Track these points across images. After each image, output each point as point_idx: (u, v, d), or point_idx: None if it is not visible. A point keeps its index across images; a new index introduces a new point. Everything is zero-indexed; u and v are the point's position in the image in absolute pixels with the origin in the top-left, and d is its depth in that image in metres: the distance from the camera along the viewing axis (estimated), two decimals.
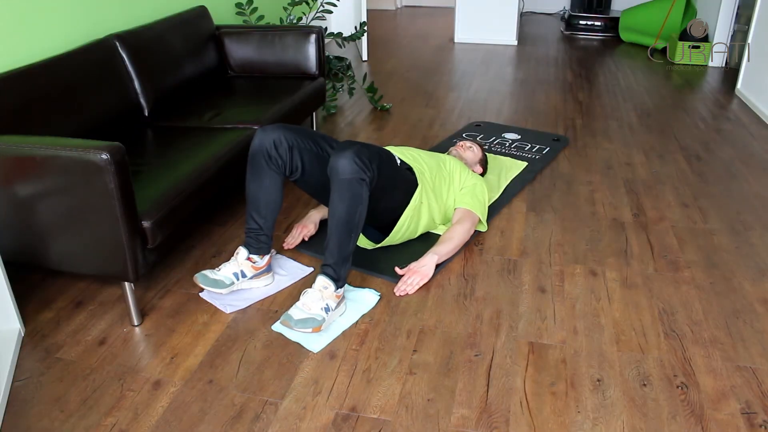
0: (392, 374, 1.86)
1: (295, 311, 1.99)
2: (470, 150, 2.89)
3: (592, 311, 2.14)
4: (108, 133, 2.59)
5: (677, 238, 2.60)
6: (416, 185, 2.37)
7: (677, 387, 1.81)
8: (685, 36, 5.44)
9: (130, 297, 2.05)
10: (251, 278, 2.23)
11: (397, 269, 2.29)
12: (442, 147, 3.51)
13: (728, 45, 5.31)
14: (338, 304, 2.07)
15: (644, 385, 1.82)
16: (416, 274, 2.25)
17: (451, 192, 2.55)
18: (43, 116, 2.27)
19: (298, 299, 2.20)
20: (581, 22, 6.67)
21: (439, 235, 2.55)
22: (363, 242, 2.49)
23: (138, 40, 2.83)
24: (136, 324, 2.09)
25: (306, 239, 2.55)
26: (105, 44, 2.67)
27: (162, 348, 1.98)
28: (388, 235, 2.42)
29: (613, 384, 1.82)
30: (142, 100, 2.82)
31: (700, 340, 2.01)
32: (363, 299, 2.19)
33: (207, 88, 3.29)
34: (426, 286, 2.27)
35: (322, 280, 2.04)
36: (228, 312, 2.14)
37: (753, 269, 2.39)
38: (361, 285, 2.28)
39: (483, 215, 2.55)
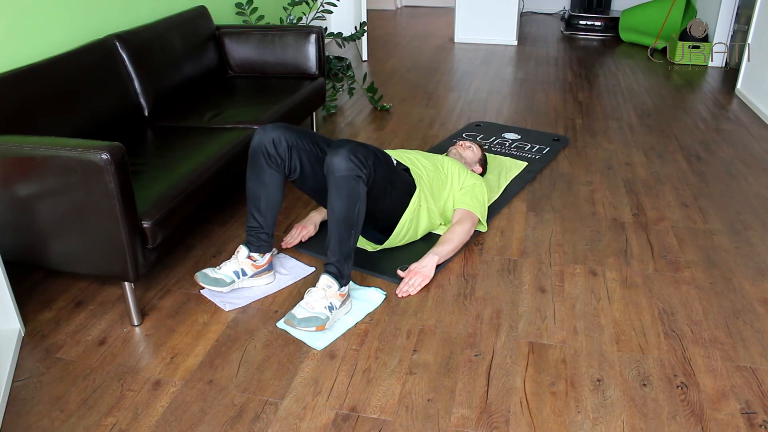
0: (392, 374, 1.86)
1: (299, 310, 2.00)
2: (470, 149, 2.89)
3: (592, 311, 2.14)
4: (108, 133, 2.59)
5: (677, 238, 2.60)
6: (414, 187, 2.36)
7: (677, 387, 1.81)
8: (685, 36, 5.44)
9: (130, 297, 2.05)
10: (252, 276, 2.23)
11: (399, 272, 2.29)
12: (442, 147, 3.51)
13: (728, 45, 5.31)
14: (343, 303, 2.07)
15: (644, 385, 1.82)
16: (417, 275, 2.26)
17: (449, 193, 2.54)
18: (43, 116, 2.27)
19: (299, 298, 2.21)
20: (581, 22, 6.67)
21: (439, 236, 2.55)
22: (364, 244, 2.49)
23: (138, 40, 2.83)
24: (136, 324, 2.09)
25: (304, 240, 2.54)
26: (105, 44, 2.67)
27: (162, 348, 1.98)
28: (388, 236, 2.42)
29: (613, 384, 1.82)
30: (142, 100, 2.82)
31: (700, 340, 2.01)
32: (369, 298, 2.19)
33: (207, 88, 3.29)
34: (426, 286, 2.27)
35: (325, 279, 2.04)
36: (227, 309, 2.14)
37: (753, 269, 2.39)
38: (362, 284, 2.28)
39: (483, 215, 2.55)
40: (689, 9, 5.88)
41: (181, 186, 2.20)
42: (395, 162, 2.33)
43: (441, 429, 1.67)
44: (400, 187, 2.30)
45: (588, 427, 1.68)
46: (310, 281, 2.31)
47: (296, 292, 2.25)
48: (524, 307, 2.17)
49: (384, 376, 1.86)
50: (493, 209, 2.81)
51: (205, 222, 2.74)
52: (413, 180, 2.38)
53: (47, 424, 1.69)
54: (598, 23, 6.62)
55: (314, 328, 1.98)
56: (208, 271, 2.19)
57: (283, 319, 2.06)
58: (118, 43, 2.73)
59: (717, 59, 5.39)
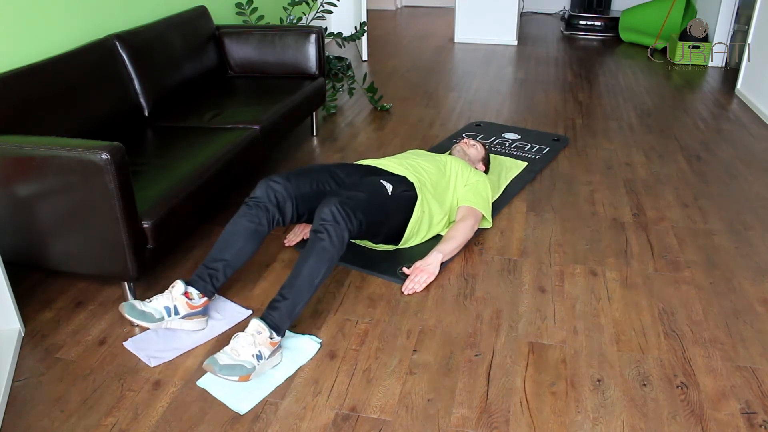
0: (392, 374, 1.86)
1: (222, 356, 1.76)
2: (474, 147, 2.90)
3: (592, 311, 2.14)
4: (108, 133, 2.59)
5: (677, 238, 2.60)
6: (415, 199, 2.37)
7: (677, 387, 1.81)
8: (685, 36, 5.44)
9: (130, 297, 2.05)
10: (183, 317, 1.97)
11: (404, 269, 2.30)
12: (442, 147, 3.51)
13: (728, 45, 5.31)
14: (272, 353, 1.84)
15: (644, 385, 1.82)
16: (423, 272, 2.26)
17: (454, 193, 2.55)
18: (44, 116, 2.27)
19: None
20: (581, 22, 6.67)
21: (442, 235, 2.56)
22: (364, 242, 2.49)
23: (138, 40, 2.83)
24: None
25: (307, 237, 2.55)
26: (105, 44, 2.67)
27: None
28: (396, 243, 2.44)
29: (613, 384, 1.82)
30: (142, 100, 2.82)
31: (700, 340, 2.01)
32: (301, 347, 1.95)
33: (207, 88, 3.30)
34: (426, 286, 2.27)
35: (256, 325, 1.81)
36: (152, 365, 1.89)
37: (753, 269, 2.39)
38: (300, 333, 2.01)
39: (487, 212, 2.56)
40: (689, 9, 5.88)
41: (181, 186, 2.20)
42: (390, 189, 2.29)
43: (441, 429, 1.67)
44: (399, 209, 2.31)
45: (588, 427, 1.68)
46: (244, 327, 2.03)
47: (225, 339, 2.01)
48: (524, 307, 2.17)
49: (384, 376, 1.86)
50: (493, 209, 2.81)
51: (205, 222, 2.74)
52: (414, 193, 2.38)
53: (47, 424, 1.69)
54: (598, 23, 6.62)
55: (237, 378, 1.74)
56: (136, 303, 1.92)
57: (203, 364, 1.75)
58: (118, 43, 2.73)
59: (717, 59, 5.39)
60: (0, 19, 2.28)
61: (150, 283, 2.30)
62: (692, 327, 2.07)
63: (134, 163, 2.37)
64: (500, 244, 2.56)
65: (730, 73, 5.16)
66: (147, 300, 1.96)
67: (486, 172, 2.95)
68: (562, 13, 7.54)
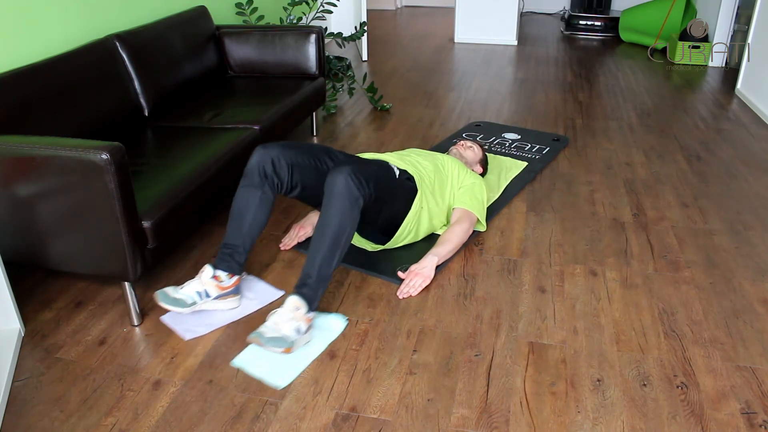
0: (392, 374, 1.86)
1: (266, 329, 1.86)
2: (470, 149, 2.89)
3: (592, 311, 2.14)
4: (108, 133, 2.59)
5: (677, 238, 2.60)
6: (416, 192, 2.37)
7: (677, 387, 1.81)
8: (685, 36, 5.44)
9: (130, 297, 2.05)
10: (216, 299, 2.08)
11: (399, 273, 2.29)
12: (442, 147, 3.51)
13: (728, 45, 5.31)
14: (307, 330, 1.94)
15: (644, 385, 1.82)
16: (418, 276, 2.26)
17: (450, 192, 2.55)
18: (44, 116, 2.27)
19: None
20: (581, 22, 6.67)
21: (439, 236, 2.56)
22: (364, 243, 2.49)
23: (138, 40, 2.83)
24: (136, 324, 2.08)
25: (302, 240, 2.55)
26: (105, 44, 2.67)
27: (162, 348, 1.98)
28: (388, 239, 2.43)
29: (613, 384, 1.82)
30: (142, 100, 2.82)
31: (700, 340, 2.01)
32: (329, 326, 2.04)
33: (207, 88, 3.30)
34: (426, 286, 2.27)
35: (294, 301, 1.91)
36: (186, 339, 1.99)
37: (753, 269, 2.39)
38: (327, 311, 2.11)
39: (482, 215, 2.55)
40: (689, 9, 5.88)
41: (181, 186, 2.20)
42: (397, 172, 2.31)
43: (441, 429, 1.67)
44: (402, 195, 2.30)
45: (588, 427, 1.68)
46: (276, 307, 2.12)
47: (259, 318, 2.11)
48: (524, 307, 2.17)
49: (384, 376, 1.86)
50: (493, 209, 2.81)
51: (205, 222, 2.74)
52: (415, 185, 2.38)
53: (47, 424, 1.69)
54: (598, 23, 6.62)
55: (282, 350, 1.84)
56: (169, 290, 2.04)
57: (248, 337, 1.87)
58: (118, 43, 2.73)
59: (717, 59, 5.39)
60: (0, 19, 2.28)
61: (150, 283, 2.30)
62: (692, 327, 2.07)
63: (134, 163, 2.37)
64: (500, 244, 2.56)
65: (730, 73, 5.16)
66: (179, 286, 2.07)
67: (484, 173, 2.95)
68: (562, 13, 7.54)
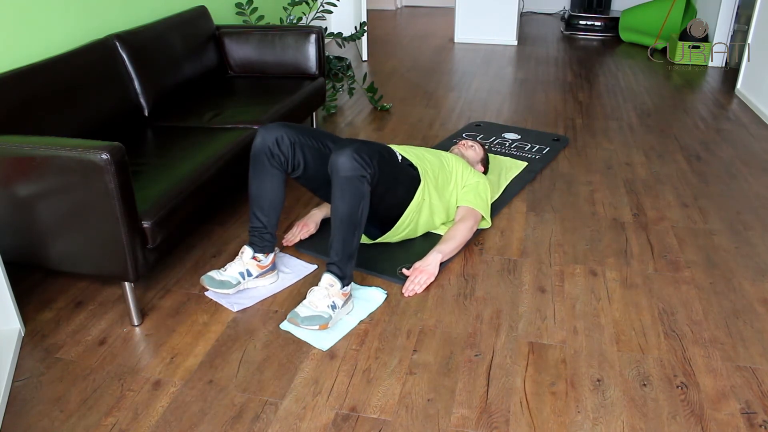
0: (392, 374, 1.86)
1: (302, 309, 2.00)
2: (472, 149, 2.90)
3: (592, 311, 2.14)
4: (108, 133, 2.59)
5: (677, 238, 2.60)
6: (419, 181, 2.37)
7: (677, 387, 1.81)
8: (685, 36, 5.44)
9: (130, 297, 2.05)
10: (257, 277, 2.24)
11: (404, 271, 2.30)
12: (442, 147, 3.51)
13: (728, 45, 5.31)
14: (345, 302, 2.08)
15: (644, 385, 1.82)
16: (423, 273, 2.26)
17: (453, 189, 2.55)
18: (44, 116, 2.27)
19: (299, 297, 2.21)
20: (581, 22, 6.67)
21: (440, 235, 2.56)
22: (362, 237, 2.49)
23: (138, 40, 2.83)
24: (136, 324, 2.09)
25: (305, 237, 2.55)
26: (105, 44, 2.67)
27: (162, 348, 1.98)
28: (387, 230, 2.42)
29: (613, 384, 1.82)
30: (142, 100, 2.82)
31: (700, 340, 2.01)
32: (371, 297, 2.20)
33: (207, 88, 3.29)
34: (426, 287, 2.27)
35: (327, 278, 2.04)
36: (235, 310, 2.14)
37: (753, 269, 2.39)
38: (362, 284, 2.28)
39: (486, 212, 2.56)
40: (689, 9, 5.88)
41: (181, 186, 2.20)
42: (400, 158, 2.32)
43: (441, 429, 1.67)
44: (404, 182, 2.30)
45: (588, 427, 1.68)
46: (312, 280, 2.32)
47: (296, 292, 2.25)
48: (524, 307, 2.17)
49: (384, 376, 1.86)
50: (493, 209, 2.81)
51: (205, 222, 2.74)
52: (418, 175, 2.38)
53: (47, 424, 1.69)
54: (598, 23, 6.62)
55: (317, 327, 1.99)
56: (214, 273, 2.18)
57: (286, 318, 2.06)
58: (118, 43, 2.73)
59: (717, 59, 5.39)
60: (0, 19, 2.28)
61: (150, 283, 2.31)
62: (692, 327, 2.07)
63: (134, 163, 2.37)
64: (500, 244, 2.56)
65: (730, 73, 5.16)
66: (222, 269, 2.20)
67: (485, 172, 2.95)
68: (562, 13, 7.54)
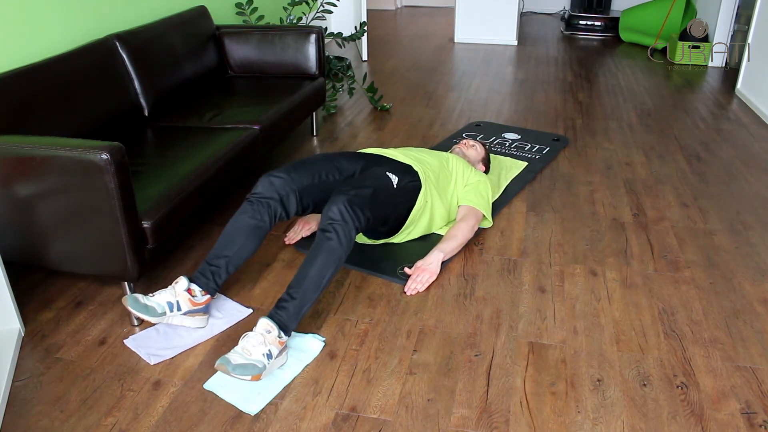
0: (392, 374, 1.86)
1: (234, 356, 1.77)
2: (473, 148, 2.90)
3: (592, 311, 2.14)
4: (108, 133, 2.59)
5: (677, 238, 2.60)
6: (419, 189, 2.37)
7: (677, 387, 1.81)
8: (685, 36, 5.44)
9: (128, 291, 2.04)
10: (185, 314, 1.99)
11: (406, 269, 2.30)
12: (443, 147, 3.51)
13: (728, 45, 5.31)
14: (280, 352, 1.85)
15: (644, 385, 1.82)
16: (425, 272, 2.26)
17: (455, 190, 2.55)
18: (43, 116, 2.27)
19: (231, 345, 2.00)
20: (581, 22, 6.67)
21: (441, 235, 2.56)
22: (362, 239, 2.49)
23: (138, 40, 2.83)
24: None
25: (306, 235, 2.55)
26: (105, 44, 2.67)
27: None
28: (392, 235, 2.43)
29: (613, 384, 1.82)
30: (142, 100, 2.82)
31: (700, 340, 2.01)
32: (306, 347, 1.96)
33: (207, 88, 3.29)
34: (427, 286, 2.27)
35: (265, 323, 1.83)
36: (152, 363, 1.90)
37: (753, 269, 2.39)
38: (304, 331, 2.02)
39: (487, 212, 2.56)
40: (689, 9, 5.88)
41: (181, 186, 2.20)
42: (396, 181, 2.29)
43: (441, 429, 1.67)
44: (403, 201, 2.32)
45: (588, 427, 1.68)
46: (245, 326, 2.07)
47: (229, 340, 2.01)
48: (524, 307, 2.17)
49: (384, 376, 1.86)
50: (493, 209, 2.81)
51: (205, 222, 2.74)
52: (419, 183, 2.38)
53: (47, 424, 1.69)
54: (598, 23, 6.62)
55: (250, 377, 1.75)
56: (139, 296, 1.94)
57: (215, 364, 1.79)
58: (118, 43, 2.73)
59: (717, 59, 5.39)
60: (0, 19, 2.28)
61: (150, 283, 2.30)
62: (692, 327, 2.07)
63: (134, 163, 2.37)
64: (500, 244, 2.56)
65: (730, 73, 5.16)
66: (150, 294, 1.97)
67: (486, 172, 2.95)
68: (562, 13, 7.54)
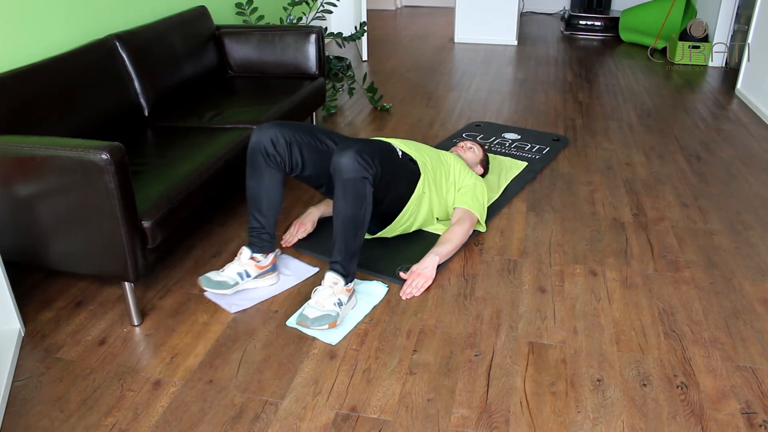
0: (392, 374, 1.86)
1: (310, 310, 2.02)
2: (471, 150, 2.89)
3: (592, 311, 2.14)
4: (108, 133, 2.59)
5: (677, 238, 2.60)
6: (419, 175, 2.37)
7: (677, 387, 1.81)
8: (685, 36, 5.44)
9: (130, 297, 2.05)
10: (256, 278, 2.23)
11: (401, 274, 2.29)
12: (442, 147, 3.51)
13: (728, 45, 5.31)
14: (349, 298, 2.10)
15: (644, 385, 1.82)
16: (420, 277, 2.26)
17: (450, 185, 2.54)
18: (43, 116, 2.27)
19: (299, 298, 2.21)
20: (581, 22, 6.67)
21: (437, 236, 2.55)
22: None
23: (138, 40, 2.83)
24: (136, 324, 2.09)
25: (302, 237, 2.55)
26: (105, 44, 2.67)
27: (162, 348, 1.98)
28: (387, 225, 2.42)
29: (613, 384, 1.82)
30: (142, 100, 2.82)
31: (700, 340, 2.01)
32: (372, 291, 2.23)
33: (207, 88, 3.29)
34: (426, 287, 2.27)
35: (331, 276, 2.06)
36: (232, 312, 2.13)
37: (753, 269, 2.39)
38: (368, 280, 2.27)
39: (482, 216, 2.55)
40: (689, 9, 5.88)
41: (181, 186, 2.20)
42: (400, 153, 2.33)
43: (441, 429, 1.67)
44: (405, 176, 2.32)
45: (588, 427, 1.68)
46: (313, 281, 2.31)
47: (296, 292, 2.25)
48: (524, 307, 2.17)
49: (384, 376, 1.86)
50: (493, 209, 2.81)
51: (205, 222, 2.74)
52: (418, 168, 2.38)
53: (47, 424, 1.69)
54: (598, 23, 6.62)
55: (327, 326, 2.00)
56: (211, 274, 2.18)
57: (295, 321, 2.07)
58: (118, 43, 2.73)
59: (717, 59, 5.39)
60: (0, 19, 2.28)
61: (150, 283, 2.31)
62: (692, 327, 2.07)
63: (134, 163, 2.36)
64: (500, 244, 2.56)
65: (730, 73, 5.16)
66: (220, 270, 2.20)
67: (485, 173, 2.95)
68: (562, 13, 7.54)
